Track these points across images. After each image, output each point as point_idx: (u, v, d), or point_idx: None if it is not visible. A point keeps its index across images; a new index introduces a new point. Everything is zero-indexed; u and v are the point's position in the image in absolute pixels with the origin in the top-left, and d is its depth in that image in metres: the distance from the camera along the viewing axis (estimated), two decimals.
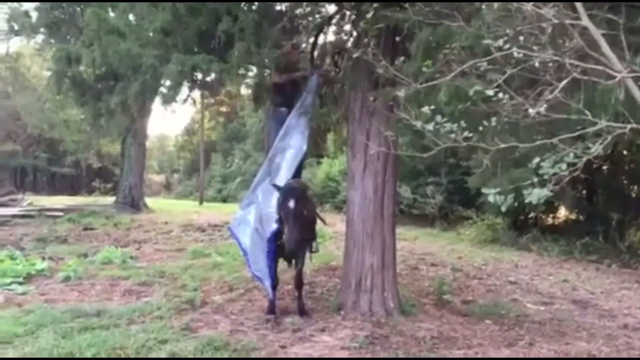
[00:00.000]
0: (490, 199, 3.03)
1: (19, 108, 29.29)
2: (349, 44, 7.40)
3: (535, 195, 2.80)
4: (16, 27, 16.34)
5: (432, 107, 3.25)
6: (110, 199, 22.64)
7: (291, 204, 6.03)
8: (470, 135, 3.12)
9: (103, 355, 4.89)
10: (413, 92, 3.55)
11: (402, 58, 4.09)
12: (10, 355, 4.83)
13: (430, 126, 3.16)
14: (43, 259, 9.62)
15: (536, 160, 2.91)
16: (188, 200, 33.47)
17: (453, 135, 3.10)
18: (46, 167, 41.09)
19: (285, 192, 6.15)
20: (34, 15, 15.73)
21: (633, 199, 16.41)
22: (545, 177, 2.83)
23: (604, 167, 15.85)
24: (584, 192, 17.05)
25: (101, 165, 42.41)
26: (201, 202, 27.98)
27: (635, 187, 16.96)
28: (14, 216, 15.85)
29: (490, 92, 2.95)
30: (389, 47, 5.74)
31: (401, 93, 3.50)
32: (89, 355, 4.83)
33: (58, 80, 6.82)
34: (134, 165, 20.71)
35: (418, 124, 3.28)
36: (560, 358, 5.45)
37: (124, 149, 21.17)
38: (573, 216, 17.77)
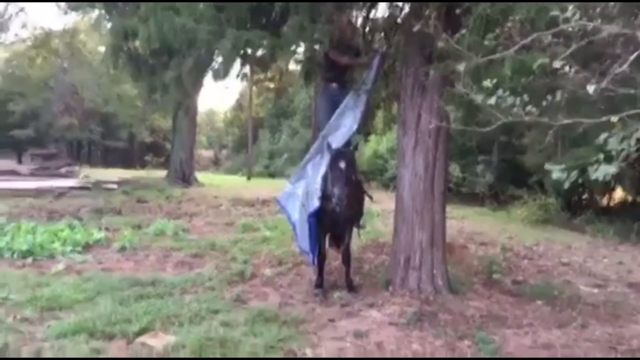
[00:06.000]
0: (555, 175, 2.94)
1: (76, 83, 30.17)
2: (400, 19, 7.26)
3: (602, 171, 2.70)
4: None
5: (495, 80, 3.16)
6: (161, 173, 23.21)
7: (342, 164, 6.09)
8: (533, 110, 3.02)
9: (158, 323, 5.05)
10: (473, 66, 3.46)
11: (463, 31, 3.96)
12: (72, 320, 5.04)
13: (492, 100, 3.08)
14: (99, 229, 9.97)
15: (603, 136, 2.80)
16: (236, 176, 33.94)
17: (515, 109, 3.00)
18: (100, 141, 42.39)
19: (337, 155, 6.21)
20: None
21: None
22: (613, 153, 2.73)
23: None
24: None
25: (152, 140, 43.48)
26: (249, 178, 28.36)
27: None
28: (71, 188, 16.45)
29: (557, 65, 2.85)
30: (449, 20, 5.60)
31: (461, 67, 3.41)
32: (145, 322, 5.00)
33: (114, 54, 6.98)
34: (185, 140, 21.16)
35: (479, 98, 3.19)
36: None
37: (175, 123, 21.60)
38: (630, 197, 17.21)
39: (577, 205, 16.58)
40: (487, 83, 3.22)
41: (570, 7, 2.68)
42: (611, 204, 17.63)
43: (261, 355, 4.47)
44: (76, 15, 25.40)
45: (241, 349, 4.53)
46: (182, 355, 4.42)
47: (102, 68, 22.46)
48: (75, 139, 40.45)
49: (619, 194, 17.67)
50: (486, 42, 3.49)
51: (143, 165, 28.53)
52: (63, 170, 21.72)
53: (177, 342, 4.63)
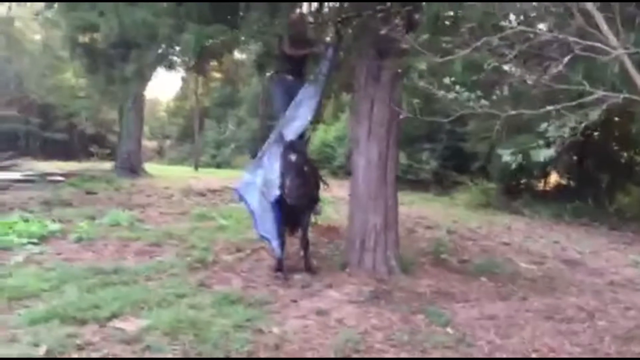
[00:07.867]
0: (504, 159, 3.41)
1: (18, 73, 29.03)
2: (345, 14, 7.49)
3: (542, 154, 3.19)
4: None
5: (452, 78, 3.56)
6: (107, 165, 22.83)
7: (292, 156, 6.35)
8: (486, 103, 3.46)
9: (127, 308, 5.21)
10: (430, 63, 3.84)
11: (425, 35, 4.34)
12: (41, 308, 5.14)
13: (451, 95, 3.50)
14: (53, 221, 9.86)
15: (544, 125, 3.28)
16: (182, 166, 33.56)
17: (471, 103, 3.43)
18: (39, 132, 40.88)
19: (287, 146, 6.48)
20: None
21: (622, 164, 16.91)
22: (551, 139, 3.21)
23: (595, 134, 16.26)
24: (575, 157, 17.49)
25: (95, 131, 42.24)
26: (196, 168, 28.20)
27: (625, 153, 17.44)
28: (16, 180, 16.02)
29: (505, 67, 3.29)
30: (408, 21, 5.92)
31: (422, 65, 3.80)
32: (115, 308, 5.14)
33: (72, 47, 6.95)
34: (132, 130, 20.88)
35: (440, 92, 3.59)
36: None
37: (122, 114, 21.27)
38: (564, 181, 18.27)
39: (516, 190, 17.47)
40: (449, 80, 3.62)
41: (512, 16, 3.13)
42: (547, 188, 18.66)
43: (232, 334, 4.72)
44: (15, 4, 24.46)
45: (212, 329, 4.76)
46: (155, 337, 4.61)
47: (44, 58, 21.79)
48: (11, 130, 38.94)
49: (553, 178, 18.72)
50: (443, 45, 3.89)
51: (88, 156, 27.84)
52: (7, 162, 21.01)
53: (150, 325, 4.81)
